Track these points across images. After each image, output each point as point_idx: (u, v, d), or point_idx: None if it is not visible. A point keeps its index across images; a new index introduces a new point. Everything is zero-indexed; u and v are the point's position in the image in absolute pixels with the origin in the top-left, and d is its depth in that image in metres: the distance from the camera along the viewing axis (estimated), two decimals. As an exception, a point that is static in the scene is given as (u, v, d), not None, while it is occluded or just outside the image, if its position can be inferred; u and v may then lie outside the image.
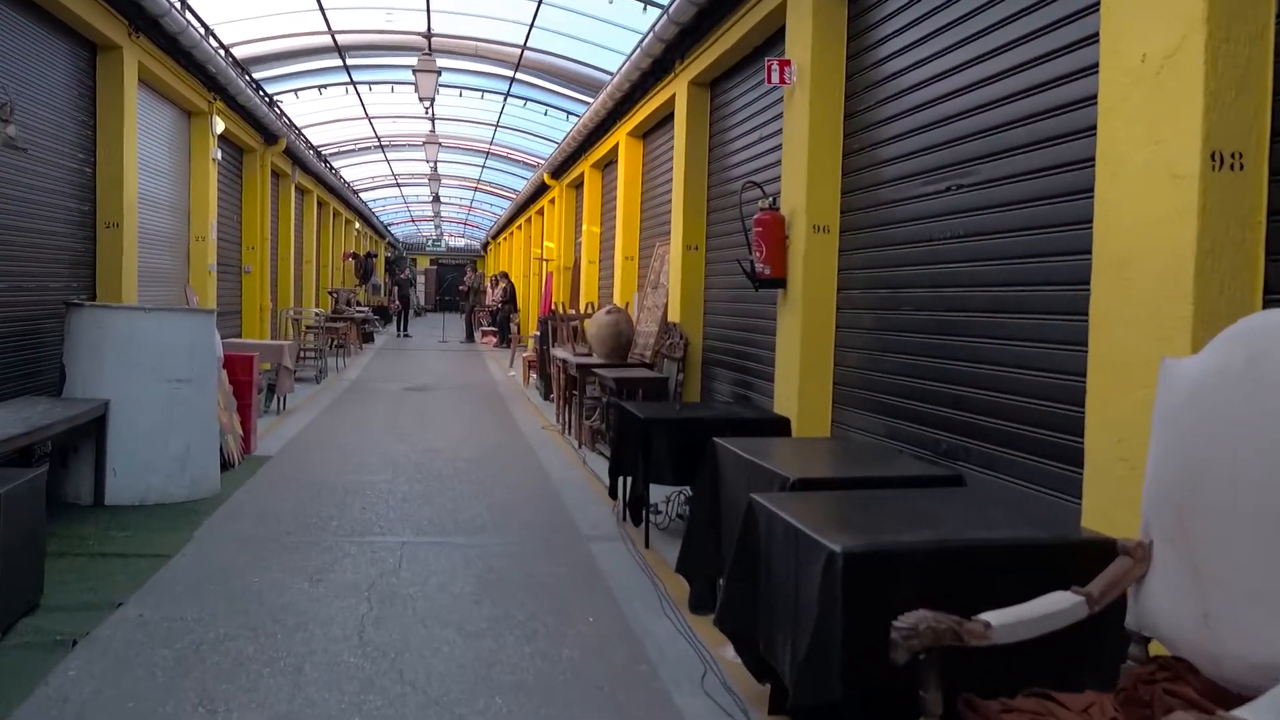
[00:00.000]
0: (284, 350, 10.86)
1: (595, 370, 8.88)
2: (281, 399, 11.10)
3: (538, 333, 14.44)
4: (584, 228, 14.56)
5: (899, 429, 4.88)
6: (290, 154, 15.13)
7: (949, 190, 4.47)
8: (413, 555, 5.39)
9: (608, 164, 13.58)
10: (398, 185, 28.51)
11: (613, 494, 6.35)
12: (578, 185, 16.22)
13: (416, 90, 12.27)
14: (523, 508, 6.68)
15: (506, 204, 27.99)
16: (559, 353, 11.05)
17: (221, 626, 4.19)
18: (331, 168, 20.82)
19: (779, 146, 6.68)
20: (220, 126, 10.88)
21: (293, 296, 16.43)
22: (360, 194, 26.77)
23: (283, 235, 16.12)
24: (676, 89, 8.85)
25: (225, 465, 7.45)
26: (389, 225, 38.65)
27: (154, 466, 6.29)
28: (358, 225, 28.68)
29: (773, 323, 6.73)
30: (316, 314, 15.93)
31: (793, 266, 5.77)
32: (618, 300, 11.53)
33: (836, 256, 5.63)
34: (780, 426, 5.64)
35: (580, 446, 9.23)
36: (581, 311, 12.45)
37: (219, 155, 10.95)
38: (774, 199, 5.90)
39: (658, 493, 5.88)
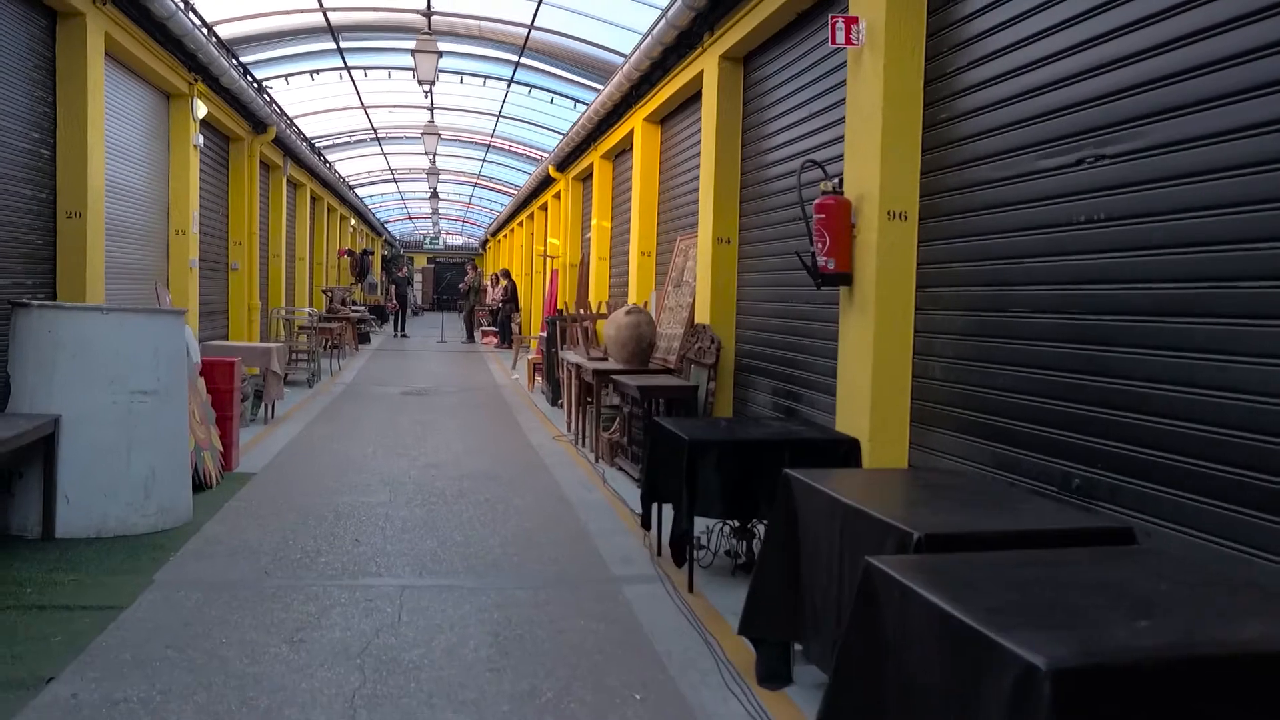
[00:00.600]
0: (272, 353, 9.98)
1: (614, 377, 8.01)
2: (269, 407, 10.23)
3: (544, 334, 13.58)
4: (593, 222, 13.69)
5: (1008, 457, 4.01)
6: (281, 144, 14.24)
7: (1082, 164, 3.60)
8: (415, 604, 4.52)
9: (620, 153, 12.70)
10: (394, 181, 27.60)
11: (645, 524, 5.48)
12: (585, 178, 15.34)
13: (415, 74, 11.39)
14: (540, 538, 5.80)
15: (507, 200, 27.11)
16: (570, 356, 10.19)
17: (174, 711, 3.32)
18: (326, 161, 19.92)
19: (835, 123, 5.81)
20: (202, 111, 9.99)
21: (284, 295, 15.56)
22: (356, 189, 25.88)
23: (273, 231, 15.23)
24: (705, 65, 7.98)
25: (201, 486, 6.58)
26: (386, 223, 37.74)
27: (113, 493, 5.41)
28: (353, 222, 27.77)
29: (824, 325, 5.87)
30: (310, 314, 15.06)
31: (861, 260, 4.90)
32: (633, 299, 10.66)
33: (915, 248, 4.76)
34: (849, 449, 4.78)
35: (598, 461, 8.37)
36: (594, 311, 11.58)
37: (201, 142, 10.06)
38: (838, 182, 5.02)
39: (699, 523, 5.00)
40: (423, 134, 16.46)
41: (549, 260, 18.58)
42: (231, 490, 6.76)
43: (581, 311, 13.46)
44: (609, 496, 7.01)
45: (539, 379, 14.16)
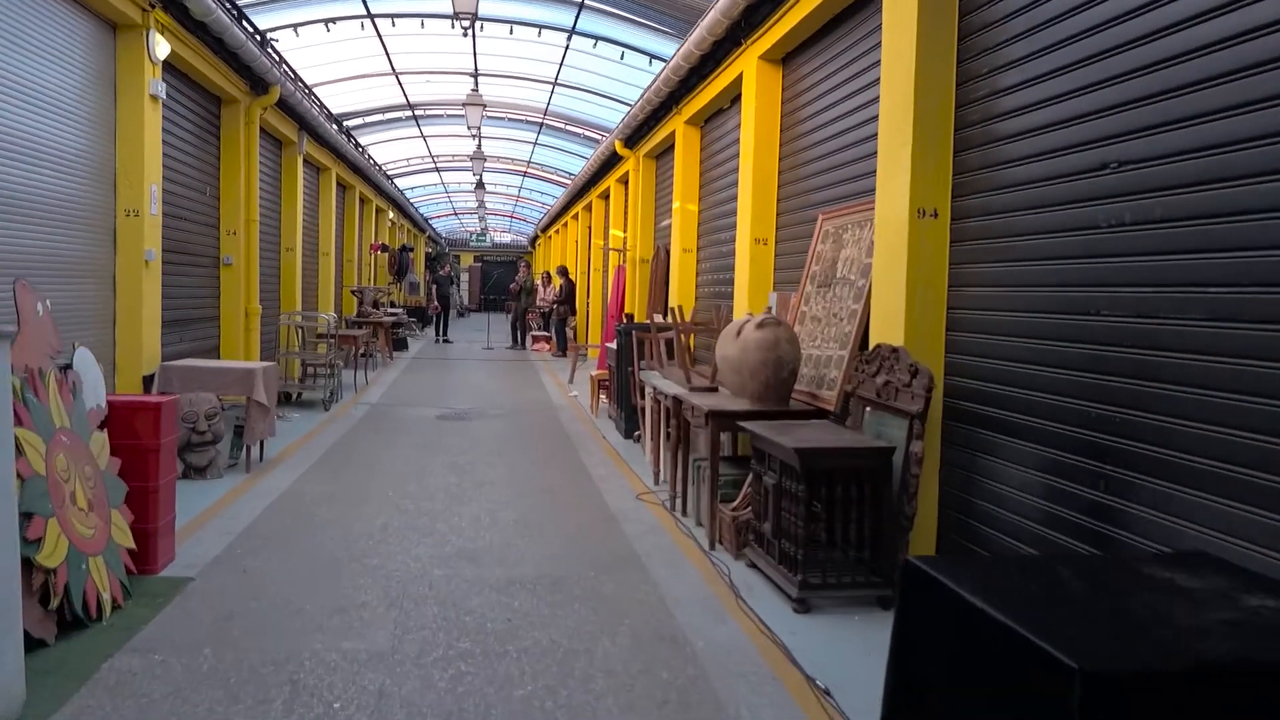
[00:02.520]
0: (255, 378, 7.33)
1: (747, 425, 5.21)
2: (252, 450, 7.57)
3: (610, 345, 10.84)
4: (674, 205, 10.91)
5: None
6: (292, 113, 11.67)
7: None
8: None
9: (714, 115, 9.90)
10: (437, 170, 25.12)
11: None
12: (662, 153, 12.57)
13: (453, 6, 8.71)
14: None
15: (560, 192, 24.46)
16: (658, 381, 7.42)
17: None
18: (358, 145, 17.41)
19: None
20: (164, 49, 7.40)
21: (300, 297, 13.01)
22: (394, 180, 23.39)
23: (287, 220, 12.69)
24: (889, -57, 5.15)
25: (82, 620, 3.93)
26: (430, 218, 35.33)
27: None
28: (392, 215, 25.26)
29: (1194, 361, 3.03)
30: (328, 319, 12.50)
31: None
32: (745, 305, 7.86)
33: None
34: None
35: (713, 546, 5.59)
36: (688, 320, 8.79)
37: (163, 92, 7.47)
38: None
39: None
40: (465, 105, 13.81)
41: (611, 255, 15.86)
42: (132, 625, 4.08)
43: (660, 318, 10.70)
44: (754, 634, 4.21)
45: (604, 398, 11.45)
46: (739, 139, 8.45)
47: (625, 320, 11.92)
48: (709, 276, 9.95)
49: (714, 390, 6.57)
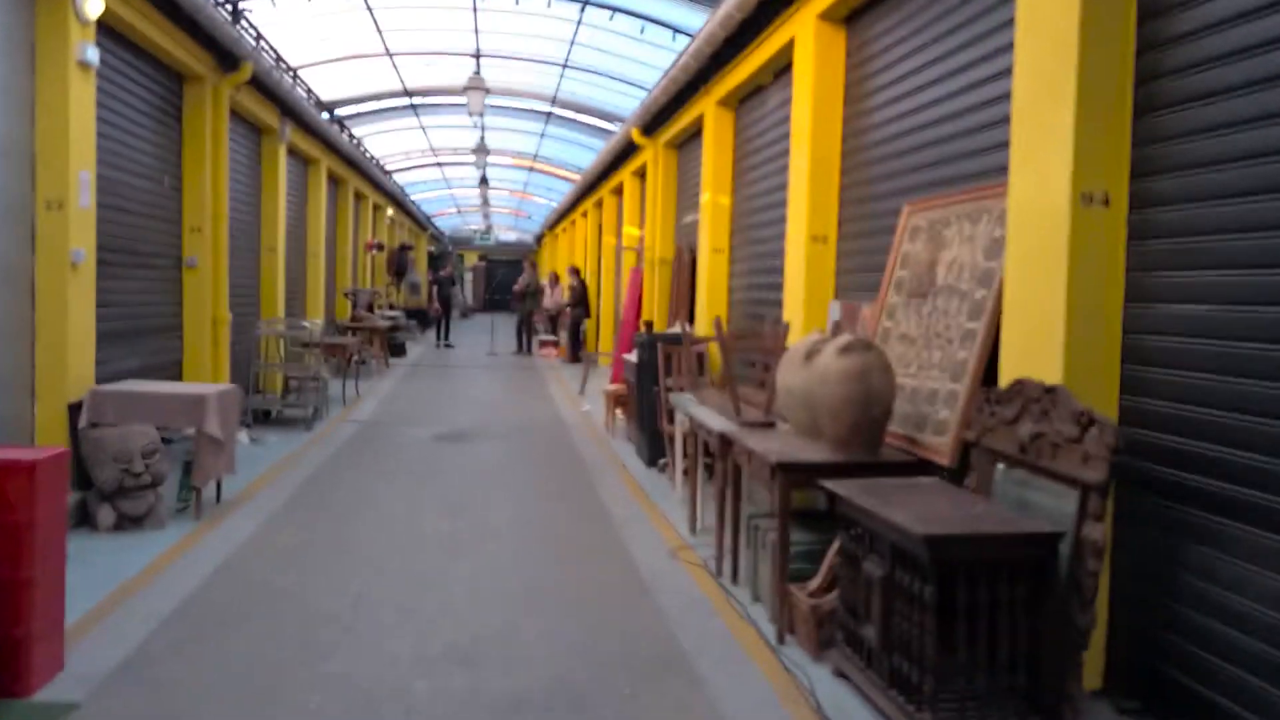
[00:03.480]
0: (207, 405, 6.02)
1: (832, 485, 3.87)
2: (211, 488, 6.26)
3: (630, 357, 9.52)
4: (703, 198, 9.59)
5: None
6: (271, 95, 10.36)
7: None
8: None
9: (753, 93, 8.55)
10: (439, 165, 23.79)
11: None
12: (686, 141, 11.24)
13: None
14: None
15: (568, 188, 23.13)
16: (699, 412, 6.08)
17: None
18: (352, 136, 16.14)
19: None
20: (95, 7, 6.08)
21: (283, 302, 11.70)
22: (393, 175, 22.07)
23: (268, 217, 11.38)
24: None
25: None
26: (431, 216, 34.00)
27: None
28: (391, 212, 23.91)
29: None
30: (311, 325, 11.20)
31: None
32: (797, 314, 6.52)
33: None
34: None
35: (781, 639, 4.26)
36: (731, 333, 7.46)
37: (95, 58, 6.15)
38: None
39: None
40: (466, 89, 12.49)
41: (626, 254, 14.53)
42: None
43: (691, 330, 9.39)
44: (873, 811, 2.89)
45: (619, 414, 10.16)
46: (784, 119, 7.14)
47: (645, 329, 10.60)
48: (745, 280, 8.63)
49: (771, 426, 5.26)
